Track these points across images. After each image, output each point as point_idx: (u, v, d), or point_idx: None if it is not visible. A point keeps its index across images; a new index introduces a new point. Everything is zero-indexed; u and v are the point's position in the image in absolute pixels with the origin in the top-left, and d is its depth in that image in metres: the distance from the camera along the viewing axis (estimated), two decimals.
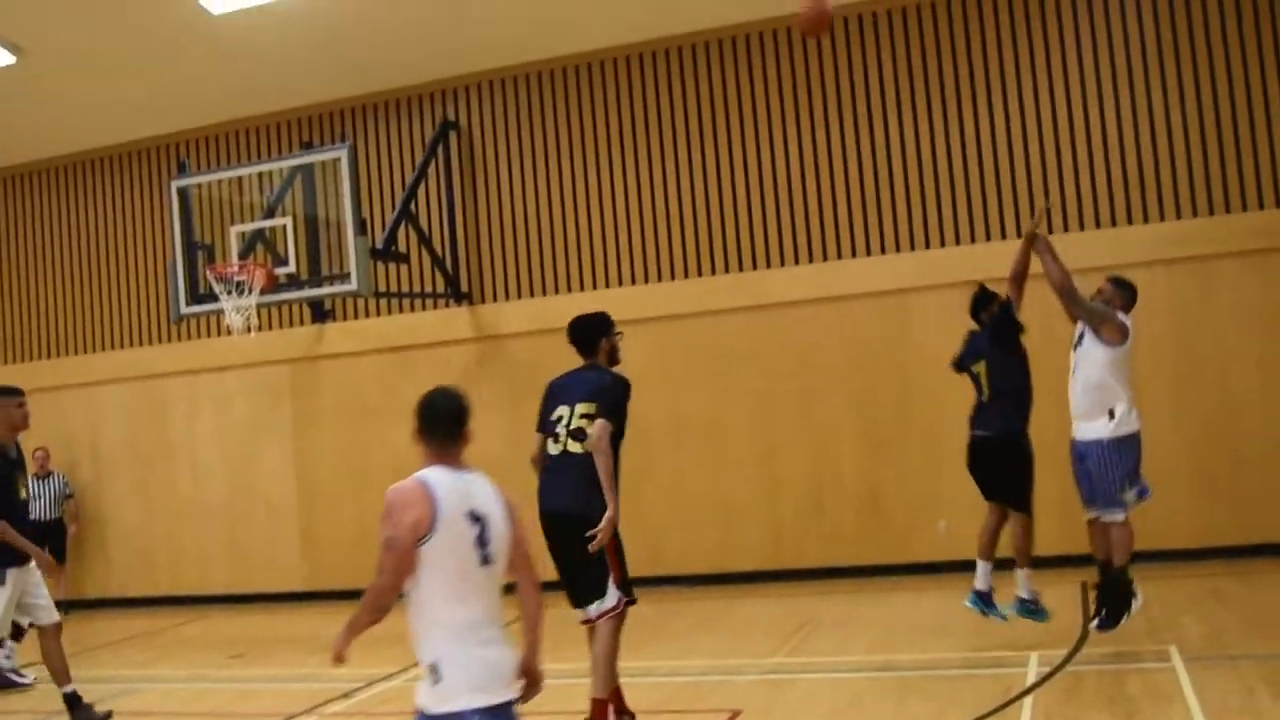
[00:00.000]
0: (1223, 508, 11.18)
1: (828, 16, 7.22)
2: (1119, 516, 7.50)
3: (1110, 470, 7.49)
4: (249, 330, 11.84)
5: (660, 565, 12.63)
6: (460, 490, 4.10)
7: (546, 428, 6.92)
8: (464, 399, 4.33)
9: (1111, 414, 7.44)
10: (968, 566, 11.48)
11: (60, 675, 7.93)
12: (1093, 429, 7.63)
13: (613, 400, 6.86)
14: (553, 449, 6.88)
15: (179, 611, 13.47)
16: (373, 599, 4.04)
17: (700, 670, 8.56)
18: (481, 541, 4.10)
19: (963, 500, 11.70)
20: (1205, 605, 9.18)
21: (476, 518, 4.08)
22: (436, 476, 4.08)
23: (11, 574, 7.70)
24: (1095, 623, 7.67)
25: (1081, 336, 7.71)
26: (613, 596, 6.68)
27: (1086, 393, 7.70)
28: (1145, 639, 8.18)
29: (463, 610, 4.03)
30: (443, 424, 4.25)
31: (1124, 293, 8.11)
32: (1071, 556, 11.19)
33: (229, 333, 12.99)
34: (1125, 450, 7.56)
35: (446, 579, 4.01)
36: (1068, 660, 7.72)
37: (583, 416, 6.76)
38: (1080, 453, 7.83)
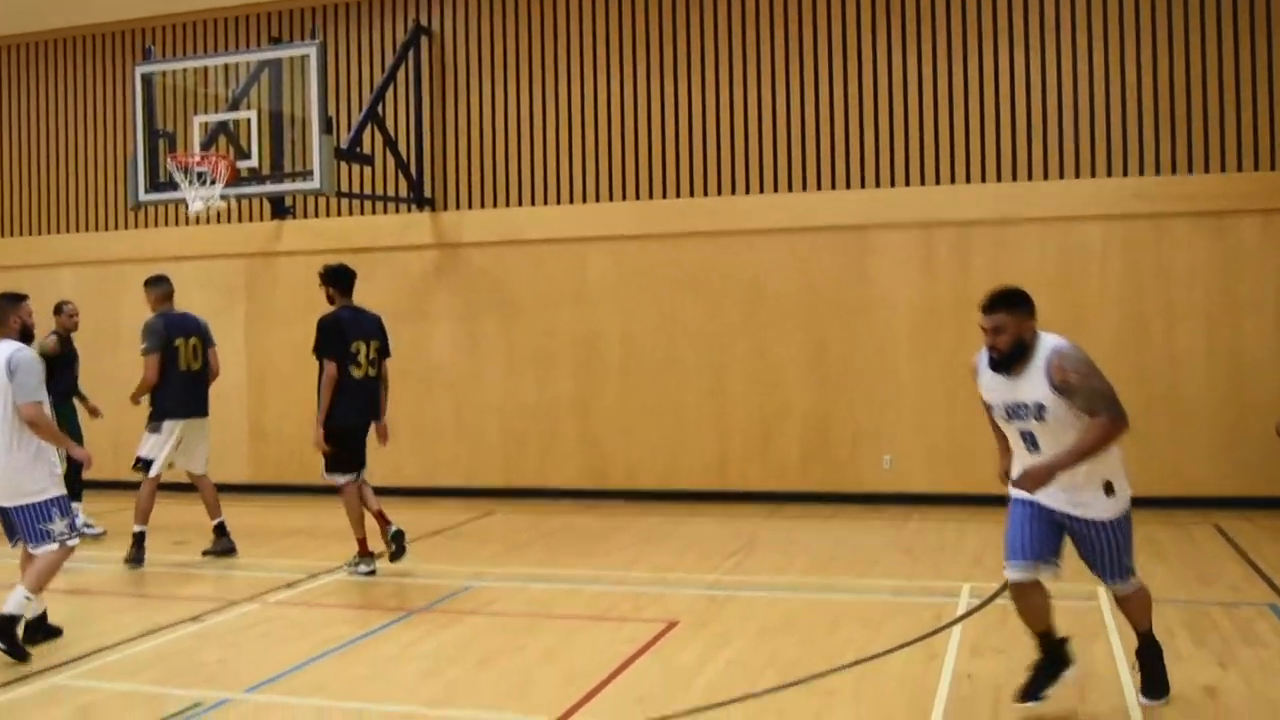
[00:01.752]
0: (1159, 460, 11.44)
1: None
2: (1131, 586, 5.78)
3: (1120, 546, 5.65)
4: (208, 212, 11.76)
5: (607, 480, 12.82)
6: None
7: (346, 357, 9.03)
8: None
9: (1110, 488, 5.49)
10: (908, 500, 11.80)
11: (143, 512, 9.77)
12: (1094, 509, 5.52)
13: (387, 337, 9.41)
14: (356, 373, 9.09)
15: (123, 497, 13.45)
16: None
17: (641, 582, 8.72)
18: None
19: (906, 436, 11.97)
20: (1136, 552, 9.40)
21: None
22: None
23: (168, 425, 9.78)
24: (1141, 695, 5.79)
25: (1040, 406, 5.35)
26: None
27: (1079, 469, 5.51)
28: (1074, 578, 8.38)
29: None
30: None
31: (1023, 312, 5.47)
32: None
33: (188, 222, 12.91)
34: (1129, 521, 5.71)
35: None
36: (998, 594, 7.93)
37: (377, 350, 9.24)
38: (1079, 533, 5.67)
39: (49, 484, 6.94)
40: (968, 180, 12.06)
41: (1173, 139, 11.65)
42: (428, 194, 13.53)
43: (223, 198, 11.93)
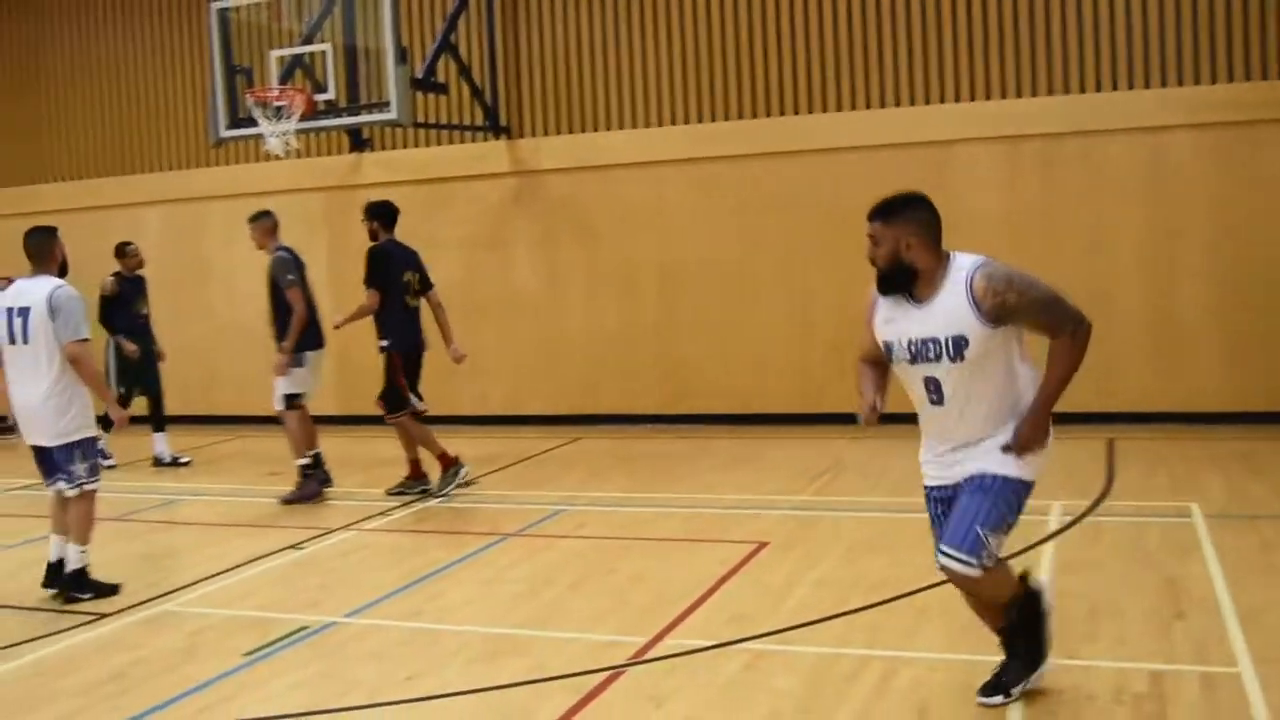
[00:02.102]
0: (1254, 373, 11.23)
1: None
2: (972, 566, 4.42)
3: (983, 506, 4.39)
4: (287, 153, 11.87)
5: (690, 404, 12.85)
6: (16, 289, 6.85)
7: (400, 287, 9.46)
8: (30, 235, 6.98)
9: (1009, 448, 4.44)
10: None
11: (302, 445, 9.69)
12: (981, 461, 4.46)
13: (425, 270, 9.78)
14: (411, 302, 9.58)
15: (215, 431, 13.78)
16: None
17: (730, 504, 8.79)
18: (12, 326, 6.74)
19: None
20: (1230, 467, 9.31)
21: (18, 310, 6.72)
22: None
23: (310, 356, 9.76)
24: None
25: (958, 341, 4.32)
26: None
27: (991, 416, 4.45)
28: (1167, 495, 8.34)
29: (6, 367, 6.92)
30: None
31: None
32: (1100, 414, 11.31)
33: (267, 158, 13.01)
34: (1015, 494, 4.46)
35: None
36: (1089, 511, 7.89)
37: (420, 282, 9.65)
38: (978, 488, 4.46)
39: (81, 425, 6.85)
40: (1050, 92, 11.78)
41: (1263, 43, 11.28)
42: (503, 122, 13.52)
43: (300, 132, 12.02)
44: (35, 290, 6.81)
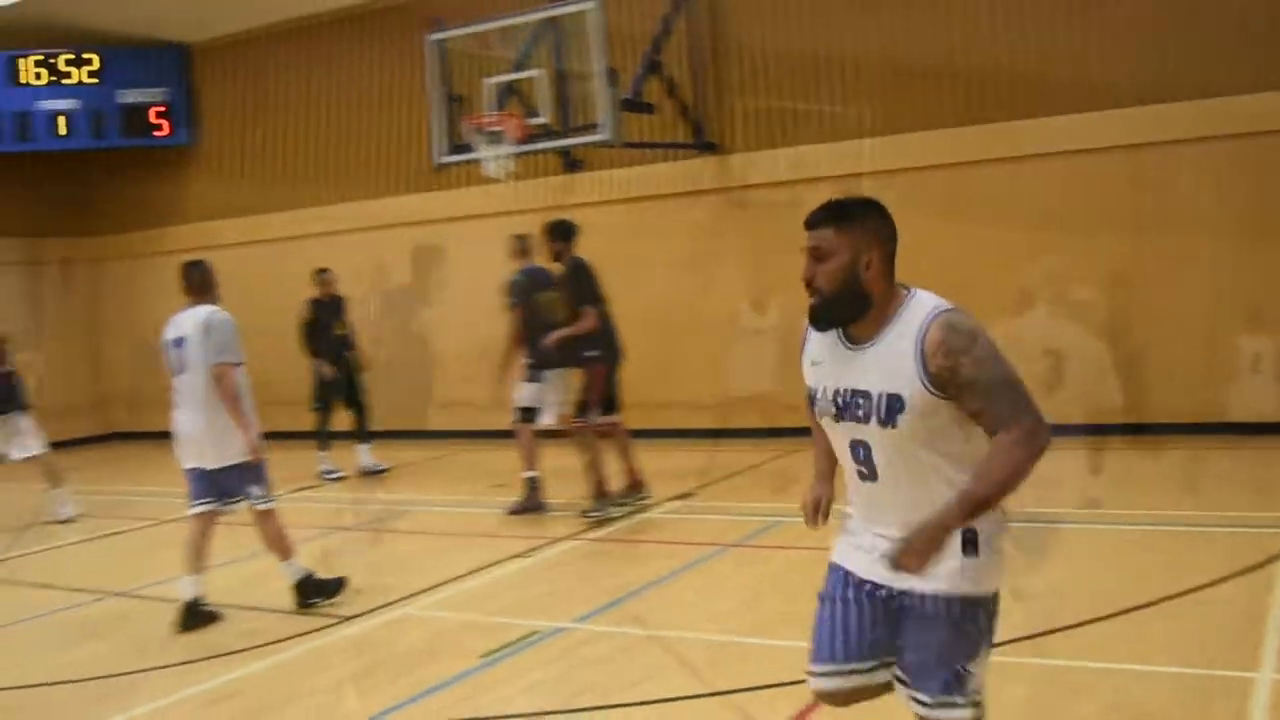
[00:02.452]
0: None
1: None
2: (958, 713, 3.33)
3: (957, 640, 3.31)
4: (504, 176, 12.29)
5: None
6: (174, 322, 7.12)
7: (604, 301, 9.55)
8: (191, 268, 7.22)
9: (972, 544, 3.28)
10: (1214, 429, 11.20)
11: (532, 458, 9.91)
12: (934, 575, 3.26)
13: None
14: (610, 312, 9.59)
15: (443, 445, 14.32)
16: None
17: None
18: (172, 357, 7.04)
19: (1207, 365, 11.36)
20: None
21: (175, 341, 7.03)
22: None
23: (549, 374, 9.81)
24: None
25: (894, 401, 3.21)
26: None
27: (920, 503, 3.24)
28: None
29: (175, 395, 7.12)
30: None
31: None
32: None
33: (486, 181, 13.48)
34: (988, 611, 3.37)
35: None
36: None
37: None
38: (904, 614, 3.40)
39: (248, 447, 7.01)
40: (1270, 88, 11.24)
41: None
42: (711, 138, 13.68)
43: (516, 155, 12.44)
44: (190, 319, 7.09)
